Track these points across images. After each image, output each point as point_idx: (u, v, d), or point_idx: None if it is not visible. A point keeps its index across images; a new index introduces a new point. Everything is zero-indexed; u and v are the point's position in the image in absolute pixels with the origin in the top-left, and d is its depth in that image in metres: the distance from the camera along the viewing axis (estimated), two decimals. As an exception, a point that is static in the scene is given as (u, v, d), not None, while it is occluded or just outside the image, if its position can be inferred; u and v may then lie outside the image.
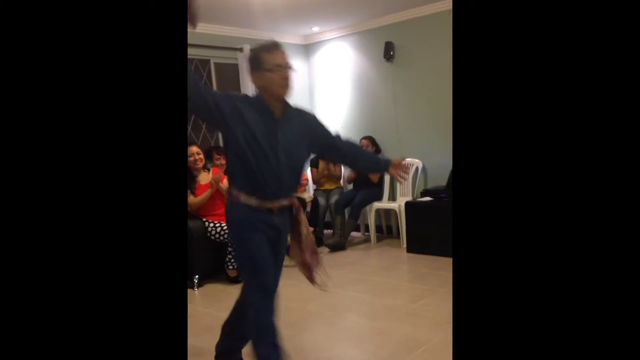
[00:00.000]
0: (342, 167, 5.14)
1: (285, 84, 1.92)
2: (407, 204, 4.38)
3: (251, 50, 1.97)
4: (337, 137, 2.14)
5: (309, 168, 5.18)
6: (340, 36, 5.31)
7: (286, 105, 1.97)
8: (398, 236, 4.78)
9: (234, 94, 2.03)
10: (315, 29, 5.22)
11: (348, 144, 2.19)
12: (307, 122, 2.04)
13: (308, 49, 5.63)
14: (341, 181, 5.13)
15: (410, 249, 4.33)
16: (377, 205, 4.78)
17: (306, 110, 2.11)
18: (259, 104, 1.91)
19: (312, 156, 2.39)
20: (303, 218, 2.15)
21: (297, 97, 5.49)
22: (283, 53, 1.94)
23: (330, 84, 5.50)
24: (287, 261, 4.54)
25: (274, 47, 1.92)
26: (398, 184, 4.83)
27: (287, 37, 5.40)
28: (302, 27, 5.12)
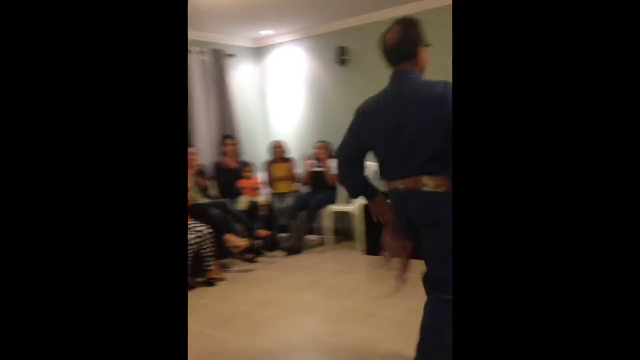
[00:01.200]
0: (296, 170, 5.10)
1: None
2: (364, 206, 4.39)
3: (414, 21, 1.87)
4: None
5: (262, 172, 5.11)
6: (292, 40, 5.29)
7: None
8: (354, 238, 4.78)
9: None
10: (266, 32, 5.18)
11: None
12: None
13: (259, 52, 5.57)
14: (296, 184, 5.09)
15: (367, 251, 4.33)
16: (332, 207, 4.76)
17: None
18: None
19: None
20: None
21: (249, 101, 5.44)
22: None
23: (283, 88, 5.46)
24: (242, 266, 4.44)
25: None
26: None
27: (237, 40, 5.33)
28: (253, 30, 5.06)
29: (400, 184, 1.81)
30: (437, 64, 3.92)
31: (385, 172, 1.90)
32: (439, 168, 1.72)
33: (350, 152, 1.99)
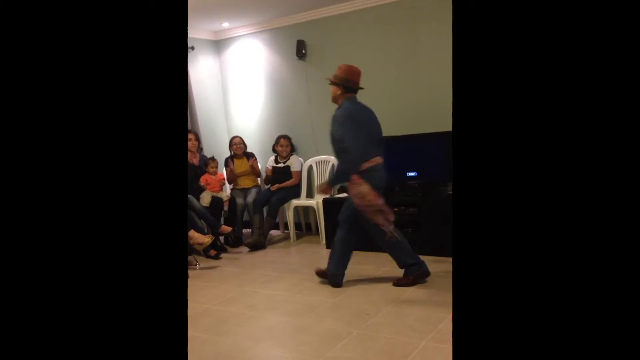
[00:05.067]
0: (259, 165, 5.09)
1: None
2: (325, 200, 4.44)
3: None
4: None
5: (224, 167, 5.08)
6: (252, 33, 5.25)
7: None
8: (317, 233, 4.82)
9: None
10: (226, 24, 5.12)
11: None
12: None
13: (219, 44, 5.50)
14: (259, 179, 5.08)
15: (329, 245, 4.38)
16: (295, 202, 4.79)
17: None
18: None
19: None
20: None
21: (208, 95, 5.37)
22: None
23: (243, 81, 5.42)
24: (205, 263, 4.41)
25: None
26: (315, 181, 4.88)
27: (197, 32, 5.25)
28: (212, 22, 5.00)
29: (379, 159, 3.18)
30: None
31: (366, 153, 3.10)
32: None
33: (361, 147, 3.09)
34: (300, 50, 4.89)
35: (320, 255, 4.28)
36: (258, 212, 4.66)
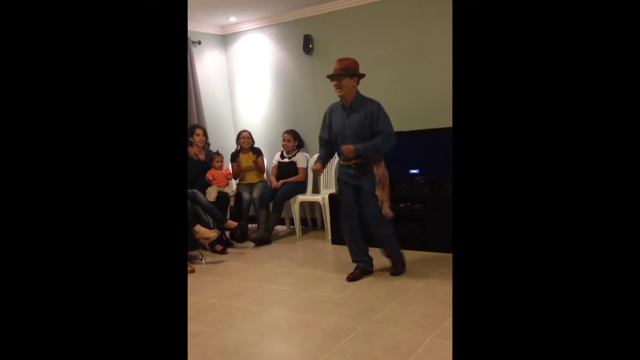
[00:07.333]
0: (265, 160, 5.09)
1: (336, 89, 3.24)
2: (331, 196, 4.43)
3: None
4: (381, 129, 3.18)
5: (230, 163, 5.07)
6: (259, 27, 5.23)
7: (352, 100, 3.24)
8: (323, 228, 4.82)
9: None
10: (233, 19, 5.11)
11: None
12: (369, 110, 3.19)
13: (226, 39, 5.50)
14: (264, 174, 5.08)
15: (335, 241, 4.38)
16: (301, 198, 4.78)
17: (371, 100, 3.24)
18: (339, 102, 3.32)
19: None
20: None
21: (215, 89, 5.37)
22: (335, 65, 3.27)
23: (250, 76, 5.41)
24: (211, 257, 4.42)
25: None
26: (321, 177, 4.87)
27: (204, 27, 5.24)
28: (219, 17, 4.99)
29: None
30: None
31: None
32: None
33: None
34: (307, 45, 4.87)
35: (325, 250, 4.27)
36: (264, 207, 4.66)
